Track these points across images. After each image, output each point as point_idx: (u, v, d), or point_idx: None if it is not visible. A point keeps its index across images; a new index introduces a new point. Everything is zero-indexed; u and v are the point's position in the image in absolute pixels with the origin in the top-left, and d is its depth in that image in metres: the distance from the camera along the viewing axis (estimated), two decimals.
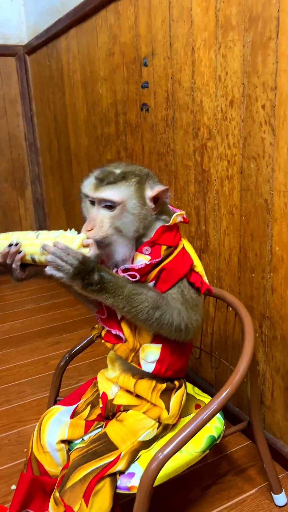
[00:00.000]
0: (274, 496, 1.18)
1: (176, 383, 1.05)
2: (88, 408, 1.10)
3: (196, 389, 1.24)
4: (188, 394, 1.18)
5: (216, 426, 1.09)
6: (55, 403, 1.30)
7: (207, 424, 1.06)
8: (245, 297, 1.35)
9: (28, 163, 3.16)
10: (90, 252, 0.88)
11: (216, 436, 1.07)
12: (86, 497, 0.91)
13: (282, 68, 1.08)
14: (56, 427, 1.06)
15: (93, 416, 1.09)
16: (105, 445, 0.97)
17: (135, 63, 1.72)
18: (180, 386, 1.05)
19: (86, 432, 1.06)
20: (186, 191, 1.54)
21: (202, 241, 1.50)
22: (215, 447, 1.41)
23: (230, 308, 1.38)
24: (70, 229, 0.93)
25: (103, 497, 0.92)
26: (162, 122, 1.61)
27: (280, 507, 1.18)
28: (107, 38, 1.89)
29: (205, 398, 1.19)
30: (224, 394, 0.95)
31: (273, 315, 1.26)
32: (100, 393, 1.10)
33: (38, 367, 1.93)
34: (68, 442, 1.07)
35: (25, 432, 1.53)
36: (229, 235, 1.38)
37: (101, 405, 1.09)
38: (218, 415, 1.12)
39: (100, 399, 1.09)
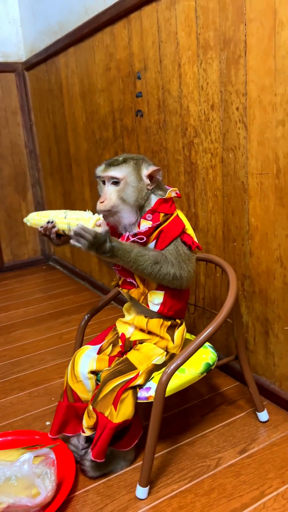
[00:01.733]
0: (258, 414, 1.49)
1: (178, 321, 1.36)
2: (110, 346, 1.40)
3: (193, 336, 1.54)
4: (186, 339, 1.48)
5: (210, 356, 1.40)
6: None
7: (203, 355, 1.38)
8: (229, 263, 1.66)
9: (28, 169, 3.46)
10: (101, 229, 1.18)
11: (210, 363, 1.38)
12: (115, 403, 1.21)
13: (250, 78, 1.41)
14: (87, 360, 1.36)
15: (114, 353, 1.39)
16: (127, 366, 1.27)
17: (129, 77, 2.04)
18: (181, 324, 1.37)
19: (109, 365, 1.36)
20: (177, 181, 1.86)
21: (193, 221, 1.82)
22: (212, 387, 1.72)
23: (218, 275, 1.70)
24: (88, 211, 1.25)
25: (127, 404, 1.22)
26: (155, 125, 1.94)
27: (263, 422, 1.49)
28: (104, 55, 2.21)
29: None
30: (218, 319, 1.25)
31: (252, 274, 1.58)
32: (119, 334, 1.40)
33: (54, 341, 2.22)
34: (95, 373, 1.37)
35: (51, 386, 1.81)
36: (215, 214, 1.70)
37: (120, 344, 1.39)
38: (211, 349, 1.43)
39: (119, 339, 1.40)
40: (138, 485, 1.22)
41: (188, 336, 1.52)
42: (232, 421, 1.51)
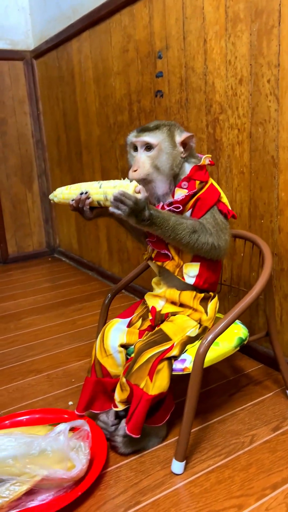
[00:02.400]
0: None
1: (211, 294, 1.32)
2: (140, 320, 1.36)
3: (219, 314, 1.51)
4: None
5: (242, 332, 1.36)
6: None
7: (235, 330, 1.35)
8: None
9: (35, 159, 3.41)
10: (141, 195, 1.15)
11: (243, 337, 1.34)
12: (151, 374, 1.17)
13: (284, 49, 1.39)
14: (117, 333, 1.32)
15: (144, 327, 1.34)
16: (162, 336, 1.23)
17: (149, 57, 2.01)
18: (214, 296, 1.33)
19: (139, 339, 1.32)
20: None
21: None
22: (235, 369, 1.69)
23: (241, 254, 1.66)
24: (124, 179, 1.20)
25: (163, 376, 1.18)
26: (176, 105, 1.91)
27: None
28: (121, 37, 2.19)
29: None
30: (252, 294, 1.22)
31: (281, 251, 1.55)
32: (149, 308, 1.36)
33: (67, 326, 2.17)
34: (125, 347, 1.32)
35: (70, 369, 1.76)
36: (240, 191, 1.67)
37: (150, 317, 1.35)
38: (242, 325, 1.40)
39: (149, 313, 1.35)
40: (174, 459, 1.18)
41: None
42: (261, 401, 1.47)
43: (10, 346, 2.00)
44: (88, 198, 1.22)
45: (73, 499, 1.06)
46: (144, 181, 1.23)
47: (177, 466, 1.17)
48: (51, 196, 1.34)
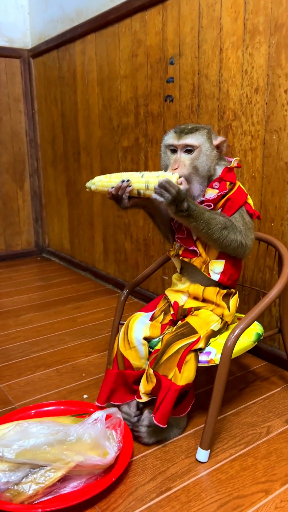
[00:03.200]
0: None
1: (233, 290, 1.38)
2: (162, 314, 1.40)
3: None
4: None
5: (258, 327, 1.42)
6: (118, 328, 1.59)
7: (252, 327, 1.41)
8: None
9: (28, 158, 3.40)
10: (182, 186, 1.20)
11: (260, 333, 1.40)
12: (179, 365, 1.21)
13: None
14: (141, 326, 1.35)
15: (166, 321, 1.39)
16: (189, 329, 1.27)
17: (160, 62, 2.07)
18: (235, 293, 1.39)
19: (161, 333, 1.36)
20: None
21: None
22: (241, 366, 1.74)
23: (250, 256, 1.73)
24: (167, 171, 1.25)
25: (190, 367, 1.22)
26: (186, 110, 1.97)
27: None
28: (130, 42, 2.24)
29: (243, 315, 1.53)
30: (274, 292, 1.29)
31: None
32: (172, 303, 1.40)
33: (68, 324, 2.18)
34: (148, 340, 1.35)
35: (78, 364, 1.77)
36: (251, 195, 1.74)
37: (172, 312, 1.39)
38: (258, 325, 1.46)
39: (171, 308, 1.40)
40: (199, 448, 1.22)
41: None
42: (271, 395, 1.53)
43: (12, 342, 1.99)
44: (129, 186, 1.25)
45: (108, 485, 1.08)
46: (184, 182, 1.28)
47: (202, 454, 1.21)
48: (88, 184, 1.35)
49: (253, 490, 1.11)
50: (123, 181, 1.25)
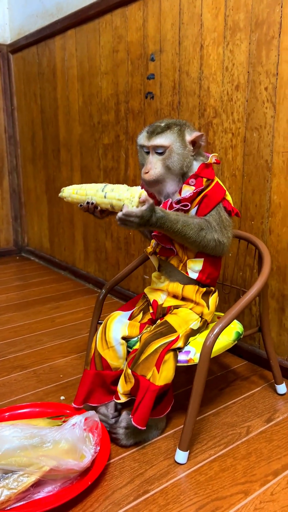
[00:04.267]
0: (277, 386, 1.51)
1: (212, 288, 1.36)
2: (141, 313, 1.37)
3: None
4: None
5: (238, 326, 1.41)
6: (96, 328, 1.56)
7: (231, 325, 1.39)
8: None
9: (7, 155, 3.34)
10: (145, 206, 1.14)
11: (240, 332, 1.39)
12: (158, 365, 1.18)
13: (283, 59, 1.47)
14: (119, 325, 1.32)
15: (145, 320, 1.36)
16: (167, 328, 1.25)
17: (141, 59, 2.04)
18: (215, 291, 1.37)
19: (140, 332, 1.33)
20: None
21: None
22: (222, 366, 1.73)
23: (230, 254, 1.72)
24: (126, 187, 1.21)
25: (169, 366, 1.20)
26: (167, 107, 1.95)
27: (281, 395, 1.51)
28: (111, 37, 2.21)
29: (223, 314, 1.51)
30: (253, 290, 1.27)
31: (271, 251, 1.62)
32: (151, 301, 1.37)
33: (47, 324, 2.13)
34: (126, 340, 1.33)
35: (56, 365, 1.73)
36: (231, 194, 1.72)
37: (151, 311, 1.36)
38: (237, 321, 1.45)
39: (150, 306, 1.37)
40: (178, 449, 1.19)
41: None
42: (251, 394, 1.52)
43: None
44: (96, 207, 1.25)
45: (83, 489, 1.05)
46: (156, 182, 1.26)
47: (181, 456, 1.19)
48: (60, 195, 1.33)
49: (232, 492, 1.09)
50: (88, 203, 1.23)
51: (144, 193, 1.15)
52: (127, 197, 1.16)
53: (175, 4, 1.82)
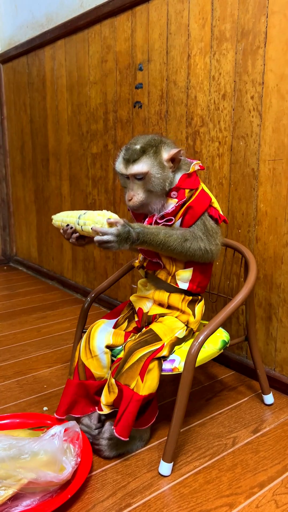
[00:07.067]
0: (265, 396, 1.49)
1: (199, 297, 1.34)
2: (126, 321, 1.35)
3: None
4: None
5: (224, 335, 1.39)
6: (80, 337, 1.53)
7: (218, 334, 1.37)
8: None
9: None
10: (119, 226, 1.13)
11: (226, 340, 1.37)
12: (142, 374, 1.16)
13: (268, 68, 1.48)
14: (103, 334, 1.30)
15: (130, 328, 1.34)
16: (152, 336, 1.22)
17: (129, 68, 2.05)
18: (201, 299, 1.35)
19: (125, 341, 1.31)
20: None
21: None
22: (209, 376, 1.71)
23: (217, 263, 1.71)
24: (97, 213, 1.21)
25: (153, 376, 1.17)
26: (155, 116, 1.95)
27: (268, 405, 1.49)
28: (100, 48, 2.22)
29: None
30: (239, 298, 1.26)
31: (257, 260, 1.61)
32: (136, 309, 1.35)
33: (33, 334, 2.10)
34: (110, 349, 1.30)
35: (40, 375, 1.70)
36: (219, 202, 1.72)
37: (136, 319, 1.34)
38: (223, 330, 1.43)
39: (135, 315, 1.35)
40: (162, 461, 1.16)
41: None
42: (238, 405, 1.49)
43: None
44: (74, 232, 1.27)
45: (62, 502, 1.02)
46: (141, 206, 1.26)
47: (165, 468, 1.16)
48: (52, 219, 1.37)
49: (217, 504, 1.06)
50: (68, 226, 1.26)
51: (113, 217, 1.15)
52: (100, 221, 1.16)
53: (162, 14, 1.83)
